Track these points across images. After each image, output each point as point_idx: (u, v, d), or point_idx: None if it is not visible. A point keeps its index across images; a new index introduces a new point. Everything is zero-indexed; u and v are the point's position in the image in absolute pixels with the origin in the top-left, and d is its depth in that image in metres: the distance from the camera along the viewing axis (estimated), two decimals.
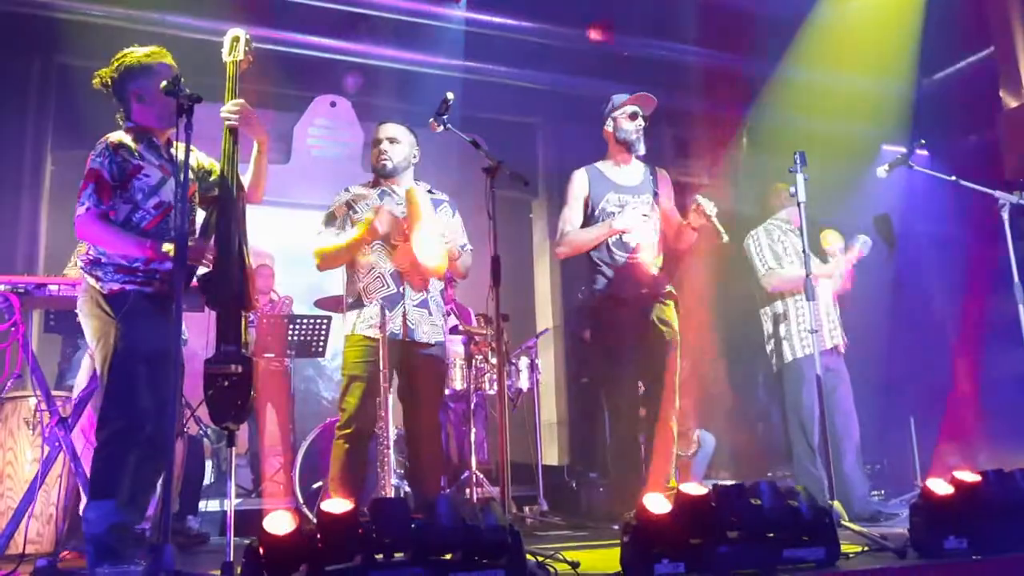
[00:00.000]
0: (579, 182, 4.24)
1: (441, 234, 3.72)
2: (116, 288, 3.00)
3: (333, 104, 7.58)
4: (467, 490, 5.19)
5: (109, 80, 3.16)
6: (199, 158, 3.28)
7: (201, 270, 3.06)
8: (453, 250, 3.80)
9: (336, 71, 7.21)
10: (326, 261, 3.75)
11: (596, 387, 6.48)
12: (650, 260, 4.14)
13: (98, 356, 3.00)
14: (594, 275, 4.18)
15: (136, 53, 3.16)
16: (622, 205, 4.15)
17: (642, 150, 4.23)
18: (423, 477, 3.70)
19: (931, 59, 7.11)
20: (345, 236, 3.68)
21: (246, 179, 3.27)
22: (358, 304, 3.69)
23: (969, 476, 2.94)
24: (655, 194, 4.25)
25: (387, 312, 3.58)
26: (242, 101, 3.16)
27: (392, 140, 3.82)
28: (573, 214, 4.22)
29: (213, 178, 3.30)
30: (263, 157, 3.32)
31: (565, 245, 4.22)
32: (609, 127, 4.27)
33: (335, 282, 3.88)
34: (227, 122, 3.13)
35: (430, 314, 3.74)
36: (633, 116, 4.22)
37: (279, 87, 6.75)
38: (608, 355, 4.14)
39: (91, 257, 3.05)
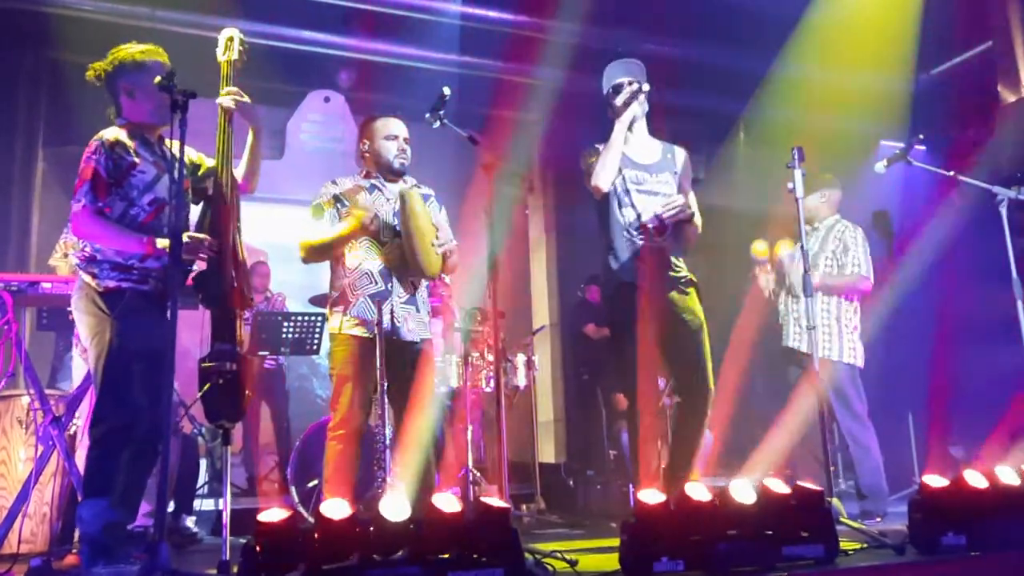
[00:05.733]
0: (592, 151, 3.97)
1: (435, 236, 3.69)
2: (112, 286, 2.99)
3: (327, 99, 7.57)
4: (464, 488, 5.17)
5: (102, 73, 3.16)
6: (190, 153, 3.26)
7: (196, 268, 3.04)
8: (446, 248, 3.77)
9: (330, 66, 7.18)
10: (313, 254, 3.70)
11: (595, 382, 6.47)
12: (670, 244, 3.90)
13: (92, 353, 2.99)
14: (610, 259, 3.90)
15: (130, 49, 3.17)
16: (640, 183, 3.89)
17: (644, 108, 3.96)
18: (417, 476, 3.67)
19: (929, 54, 7.10)
20: (335, 229, 3.65)
21: (240, 169, 3.28)
22: (343, 301, 3.66)
23: (967, 473, 2.94)
24: (675, 174, 3.99)
25: (377, 308, 3.55)
26: (236, 89, 3.19)
27: (407, 140, 3.80)
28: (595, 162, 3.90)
29: (202, 172, 3.30)
30: (258, 145, 3.33)
31: (595, 170, 3.83)
32: (609, 110, 4.03)
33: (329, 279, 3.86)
34: (223, 105, 3.14)
35: (417, 311, 3.72)
36: (616, 89, 3.97)
37: (272, 82, 6.72)
38: (624, 346, 3.87)
39: (87, 254, 3.04)
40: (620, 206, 3.87)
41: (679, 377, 3.88)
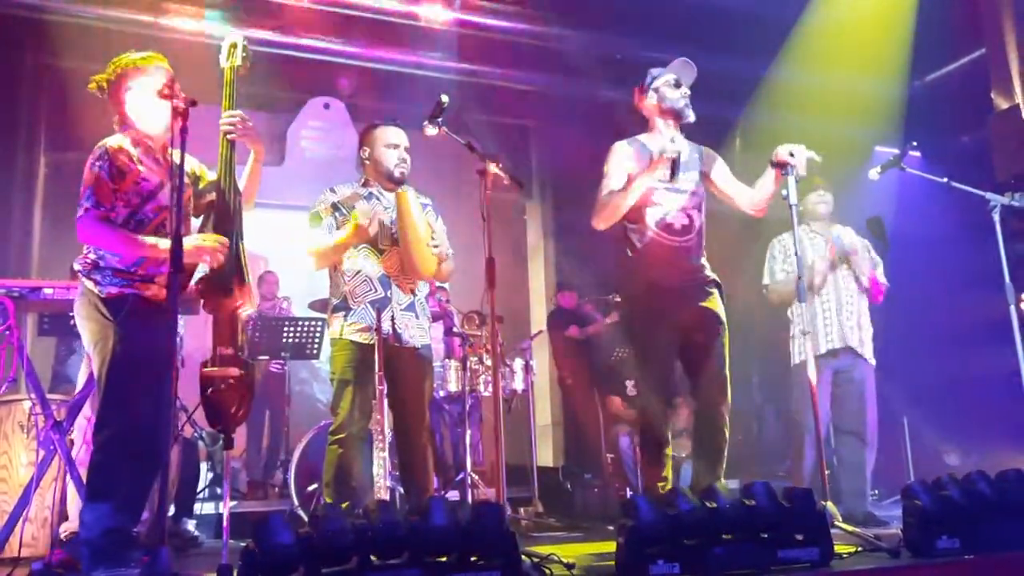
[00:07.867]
0: (621, 153, 3.79)
1: (431, 237, 3.71)
2: (115, 292, 2.99)
3: (327, 106, 7.60)
4: (462, 492, 5.20)
5: (105, 84, 3.16)
6: (192, 164, 3.27)
7: (198, 274, 3.05)
8: (441, 253, 3.79)
9: (330, 73, 7.21)
10: (321, 260, 3.75)
11: (592, 386, 6.48)
12: (695, 244, 3.78)
13: (96, 359, 2.99)
14: (629, 259, 3.79)
15: (131, 57, 3.17)
16: (667, 181, 3.69)
17: (691, 116, 3.84)
18: (416, 480, 3.70)
19: (923, 60, 7.14)
20: (334, 237, 3.67)
21: (240, 184, 3.27)
22: (344, 307, 3.68)
23: (961, 476, 2.96)
24: (703, 173, 3.88)
25: (377, 315, 3.58)
26: (240, 113, 3.17)
27: (407, 149, 3.82)
28: (613, 182, 3.71)
29: (203, 185, 3.30)
30: (258, 166, 3.32)
31: (603, 209, 3.69)
32: (652, 100, 3.87)
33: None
34: (227, 135, 3.13)
35: (417, 317, 3.75)
36: (677, 84, 3.85)
37: (273, 89, 6.77)
38: (642, 345, 3.79)
39: (90, 261, 3.04)
40: (646, 204, 3.72)
41: (698, 385, 3.73)
